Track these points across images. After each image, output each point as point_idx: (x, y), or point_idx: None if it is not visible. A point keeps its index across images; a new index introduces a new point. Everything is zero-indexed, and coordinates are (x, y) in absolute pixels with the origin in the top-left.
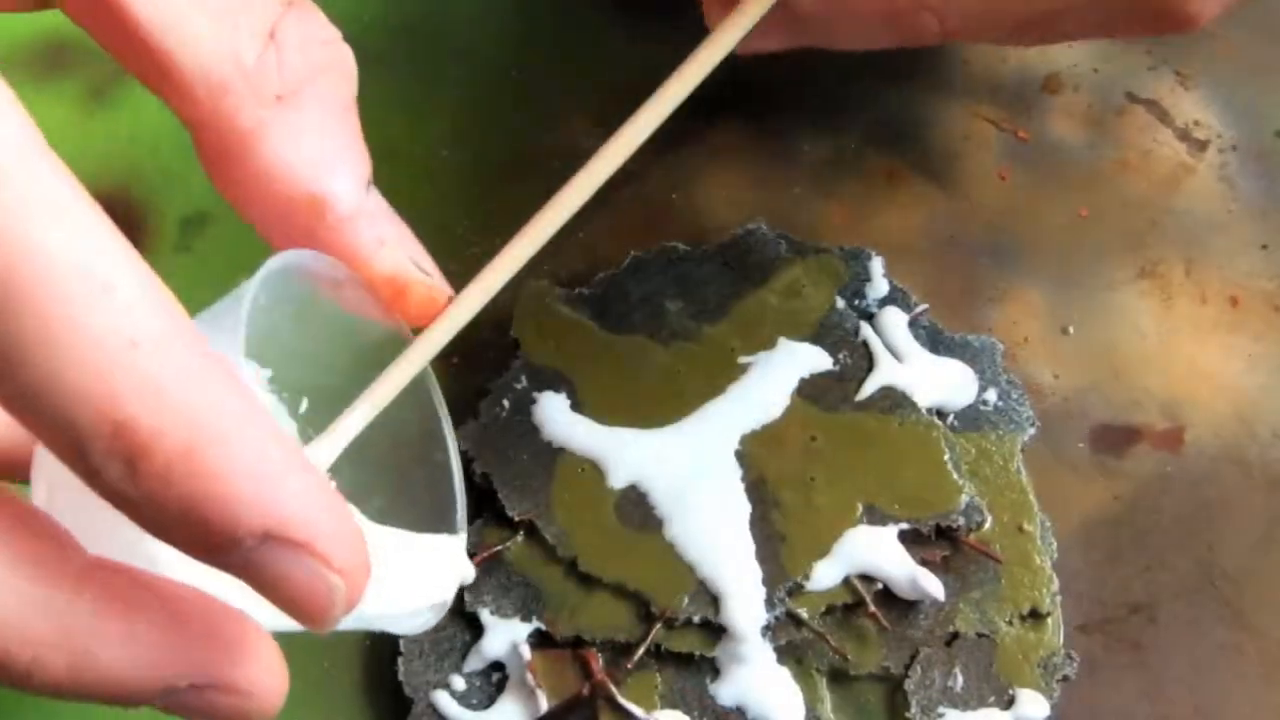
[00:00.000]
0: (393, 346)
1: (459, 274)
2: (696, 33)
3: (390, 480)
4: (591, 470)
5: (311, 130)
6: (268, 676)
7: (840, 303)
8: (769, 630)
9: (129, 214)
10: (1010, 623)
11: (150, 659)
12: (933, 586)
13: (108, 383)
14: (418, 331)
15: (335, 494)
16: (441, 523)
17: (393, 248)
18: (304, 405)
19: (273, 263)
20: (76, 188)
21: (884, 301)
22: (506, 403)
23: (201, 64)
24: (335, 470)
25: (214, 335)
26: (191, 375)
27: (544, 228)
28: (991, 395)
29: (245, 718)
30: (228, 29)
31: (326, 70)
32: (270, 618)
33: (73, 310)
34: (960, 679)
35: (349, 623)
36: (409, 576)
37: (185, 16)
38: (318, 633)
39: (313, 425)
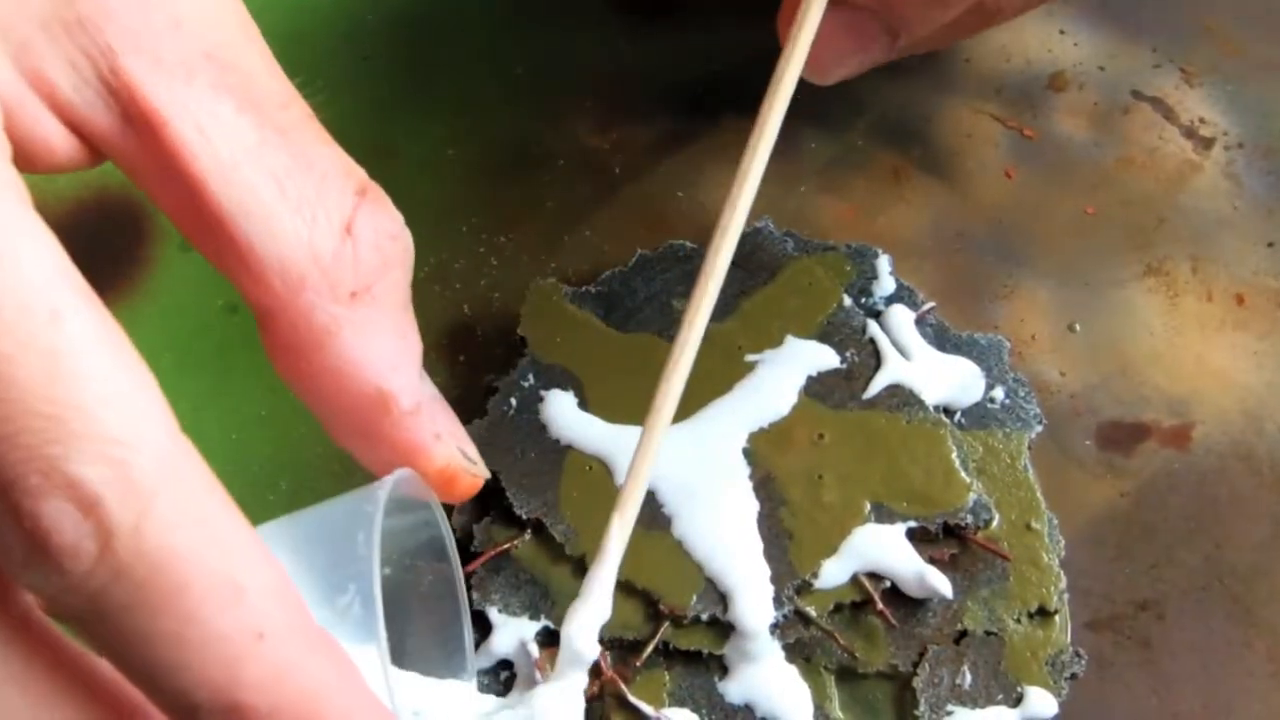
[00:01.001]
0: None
1: (463, 273)
2: (696, 32)
3: (406, 625)
4: (599, 468)
5: (383, 329)
6: None
7: (847, 301)
8: (777, 628)
9: (129, 214)
10: (1018, 620)
11: None
12: (941, 584)
13: (231, 672)
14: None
15: None
16: (449, 665)
17: (446, 441)
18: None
19: (384, 494)
20: (217, 490)
21: (891, 299)
22: (514, 401)
23: (281, 256)
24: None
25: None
26: (309, 663)
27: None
28: (999, 393)
29: None
30: (307, 221)
31: (395, 265)
32: None
33: (206, 613)
34: (968, 677)
35: None
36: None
37: (268, 207)
38: None
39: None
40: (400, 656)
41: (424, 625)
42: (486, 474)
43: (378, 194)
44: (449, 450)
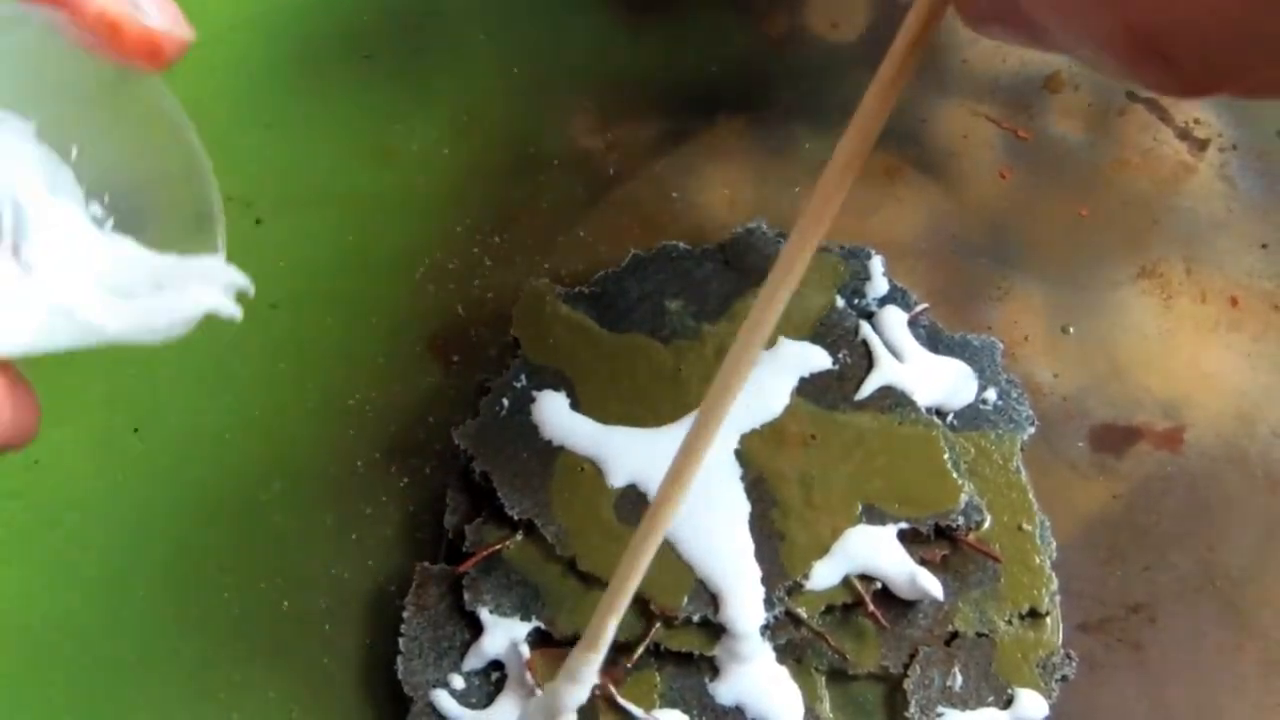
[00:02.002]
0: (128, 84)
1: (457, 273)
2: (692, 34)
3: (146, 205)
4: (591, 469)
5: None
6: None
7: (840, 302)
8: (768, 629)
9: None
10: (1009, 622)
11: None
12: (932, 586)
13: None
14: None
15: None
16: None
17: None
18: (74, 152)
19: None
20: None
21: (884, 300)
22: (506, 401)
23: None
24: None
25: None
26: None
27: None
28: (991, 394)
29: None
30: None
31: None
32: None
33: None
34: (959, 678)
35: (89, 338)
36: (157, 293)
37: None
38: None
39: (80, 171)
40: (141, 207)
41: (174, 207)
42: (182, 33)
43: None
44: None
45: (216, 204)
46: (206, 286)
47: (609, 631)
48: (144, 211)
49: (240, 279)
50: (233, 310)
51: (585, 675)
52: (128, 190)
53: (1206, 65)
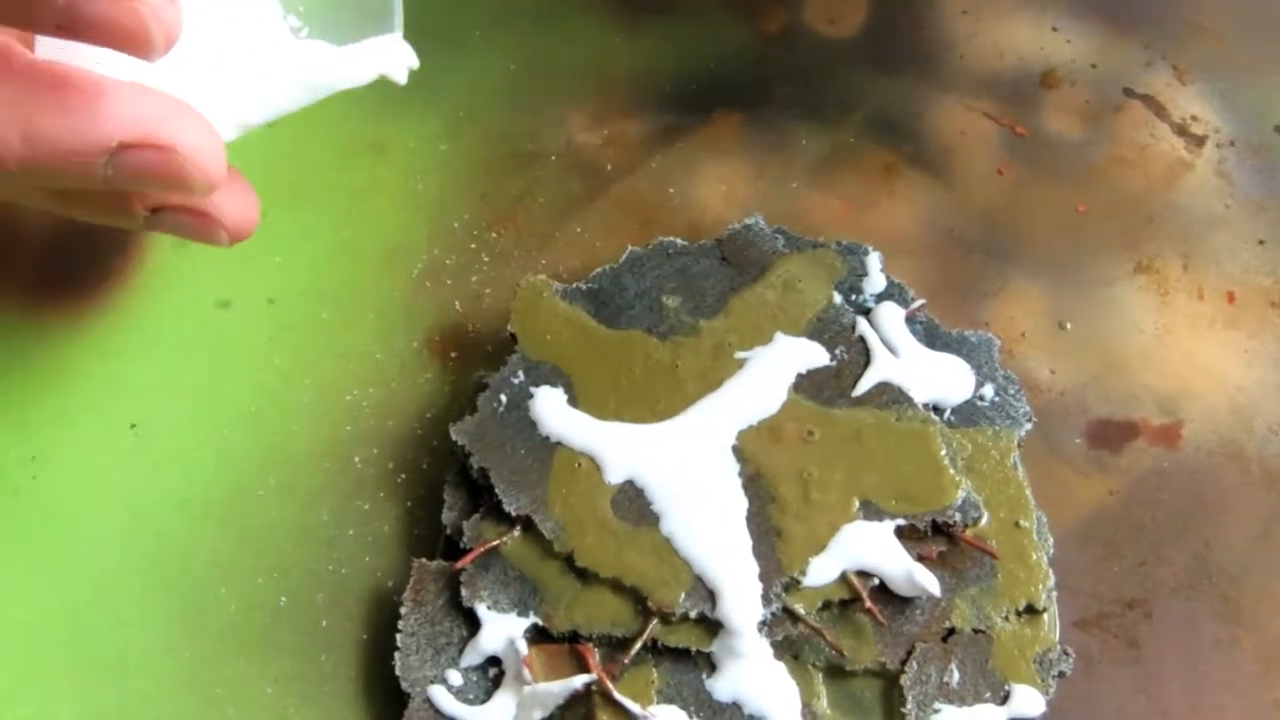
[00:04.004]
0: None
1: (455, 269)
2: (689, 30)
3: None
4: (588, 465)
5: None
6: (194, 135)
7: (837, 298)
8: (765, 625)
9: None
10: (1006, 618)
11: (83, 124)
12: (929, 582)
13: None
14: None
15: None
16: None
17: None
18: None
19: None
20: None
21: (881, 296)
22: (504, 397)
23: None
24: None
25: None
26: None
27: None
28: (988, 390)
29: (181, 173)
30: None
31: None
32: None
33: None
34: (956, 674)
35: (321, 86)
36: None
37: None
38: (149, 59)
39: None
40: (330, 8)
41: None
42: None
43: None
44: None
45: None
46: (384, 58)
47: None
48: (332, 13)
49: (413, 58)
50: (402, 79)
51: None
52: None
53: None
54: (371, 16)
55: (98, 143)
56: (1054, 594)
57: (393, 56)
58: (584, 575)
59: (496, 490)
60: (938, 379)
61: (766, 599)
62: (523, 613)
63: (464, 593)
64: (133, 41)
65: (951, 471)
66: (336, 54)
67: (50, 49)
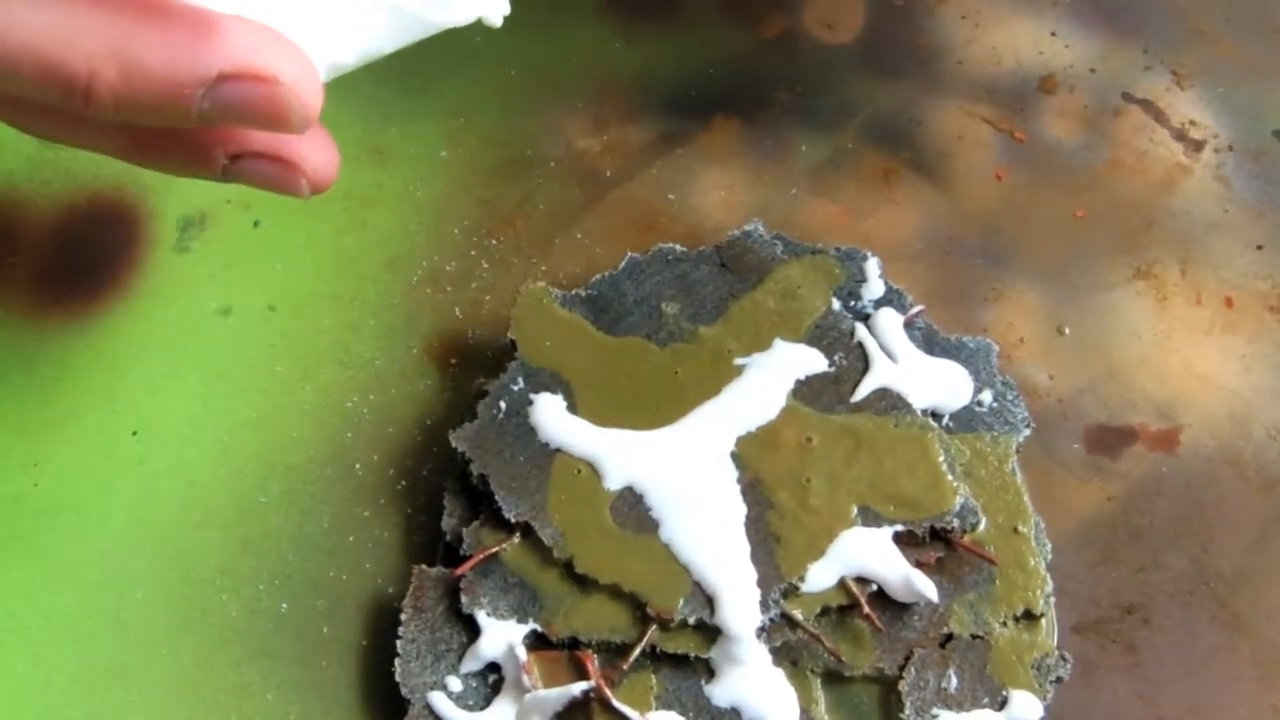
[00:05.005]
0: None
1: (454, 276)
2: (688, 36)
3: None
4: (588, 472)
5: None
6: (295, 66)
7: (836, 304)
8: (764, 632)
9: (122, 216)
10: (1004, 624)
11: (182, 54)
12: (927, 588)
13: None
14: None
15: None
16: None
17: None
18: None
19: None
20: None
21: (880, 303)
22: (503, 404)
23: None
24: None
25: None
26: None
27: None
28: (987, 396)
29: (281, 106)
30: None
31: None
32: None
33: None
34: (954, 680)
35: (415, 29)
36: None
37: None
38: None
39: None
40: None
41: None
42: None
43: None
44: None
45: None
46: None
47: None
48: None
49: (505, 4)
50: (497, 21)
51: None
52: None
53: None
54: None
55: (198, 73)
56: (1052, 599)
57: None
58: (583, 582)
59: (496, 497)
60: (936, 385)
61: (765, 605)
62: (522, 619)
63: (464, 599)
64: None
65: (950, 477)
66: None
67: None
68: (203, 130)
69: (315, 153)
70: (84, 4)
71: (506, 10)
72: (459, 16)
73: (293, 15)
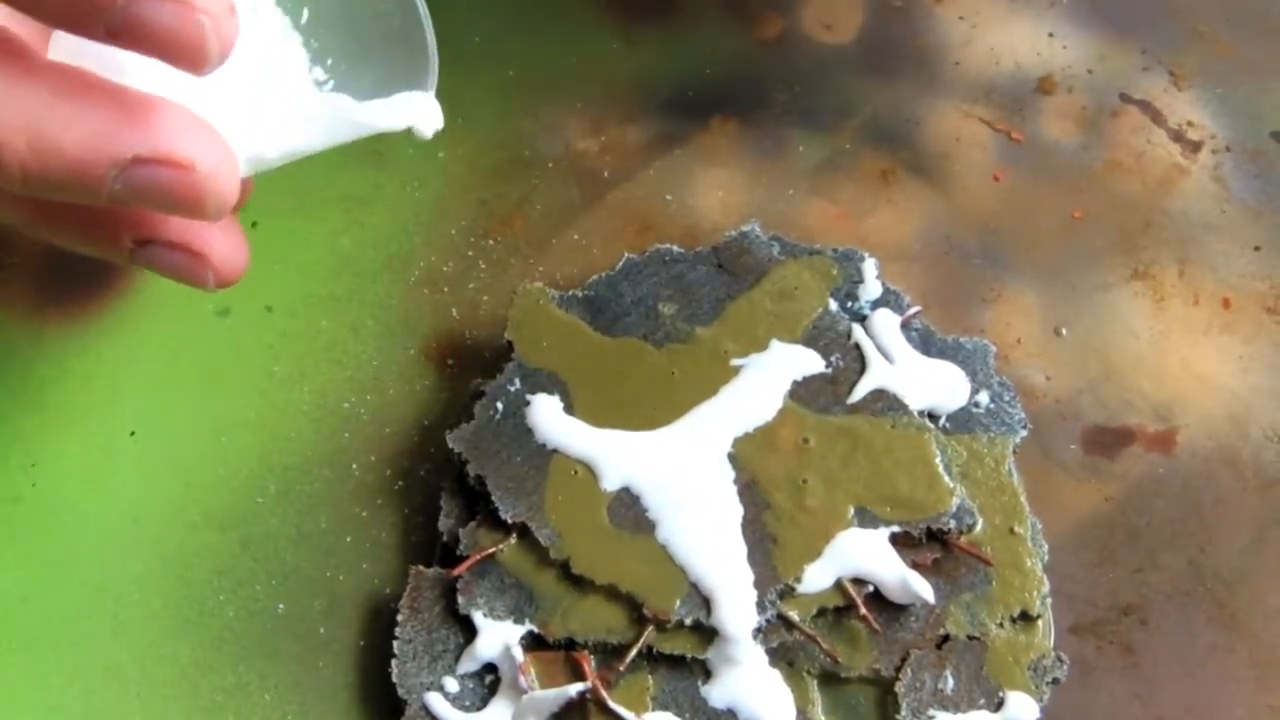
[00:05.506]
0: None
1: (452, 277)
2: (686, 37)
3: (356, 46)
4: (584, 473)
5: None
6: (214, 154)
7: (833, 305)
8: (760, 632)
9: None
10: (1001, 625)
11: (98, 133)
12: (923, 589)
13: None
14: None
15: None
16: (412, 74)
17: None
18: (305, 16)
19: None
20: None
21: (876, 303)
22: (500, 405)
23: None
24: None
25: None
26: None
27: None
28: (983, 397)
29: (195, 193)
30: None
31: None
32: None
33: None
34: (951, 681)
35: (341, 132)
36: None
37: None
38: (198, 74)
39: (315, 36)
40: (360, 63)
41: (380, 32)
42: None
43: None
44: None
45: (432, 51)
46: (410, 111)
47: None
48: (361, 67)
49: (439, 119)
50: (427, 134)
51: None
52: (348, 49)
53: None
54: (401, 76)
55: (112, 154)
56: (1049, 600)
57: (419, 112)
58: (580, 582)
59: (493, 497)
60: (933, 386)
61: (761, 606)
62: (519, 620)
63: (460, 600)
64: (188, 53)
65: (946, 478)
66: (359, 104)
67: (64, 50)
68: (113, 210)
69: (225, 244)
70: (9, 78)
71: (439, 125)
72: (389, 124)
73: (221, 105)
